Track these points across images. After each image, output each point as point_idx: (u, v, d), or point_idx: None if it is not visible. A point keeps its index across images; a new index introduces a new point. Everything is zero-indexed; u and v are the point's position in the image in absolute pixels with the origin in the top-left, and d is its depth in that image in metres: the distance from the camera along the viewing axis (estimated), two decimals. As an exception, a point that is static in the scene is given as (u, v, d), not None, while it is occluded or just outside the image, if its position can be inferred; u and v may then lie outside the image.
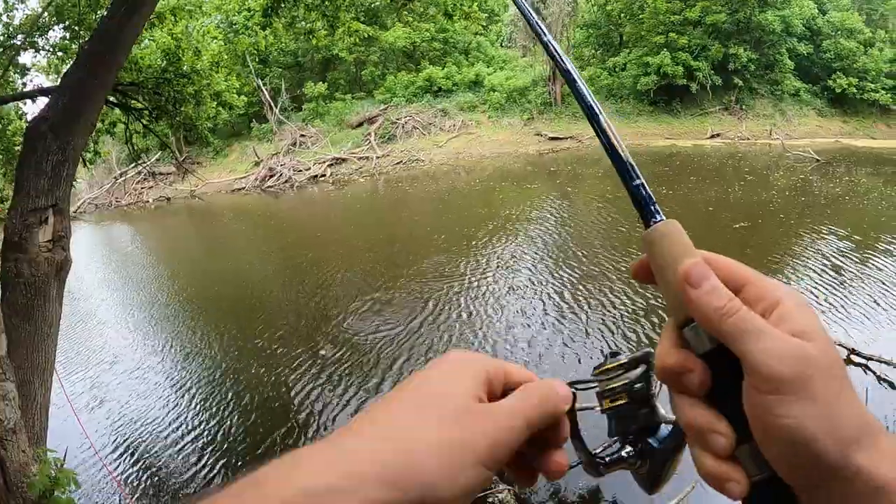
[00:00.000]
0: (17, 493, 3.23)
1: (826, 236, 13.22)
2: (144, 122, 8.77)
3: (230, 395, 9.11)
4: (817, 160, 21.62)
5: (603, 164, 24.32)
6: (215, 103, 9.34)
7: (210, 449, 7.90)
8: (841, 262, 11.58)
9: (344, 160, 29.78)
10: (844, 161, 22.15)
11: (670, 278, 0.53)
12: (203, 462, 7.66)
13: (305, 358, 9.85)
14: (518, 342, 9.44)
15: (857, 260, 11.65)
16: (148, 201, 30.35)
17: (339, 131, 32.20)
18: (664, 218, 0.57)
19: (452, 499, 0.44)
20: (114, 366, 10.80)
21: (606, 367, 0.62)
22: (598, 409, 0.62)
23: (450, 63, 34.08)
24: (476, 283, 11.99)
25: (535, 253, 13.85)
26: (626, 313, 9.86)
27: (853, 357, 8.19)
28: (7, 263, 3.93)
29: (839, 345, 8.40)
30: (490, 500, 5.90)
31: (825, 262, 11.70)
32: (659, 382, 0.59)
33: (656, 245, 0.56)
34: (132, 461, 7.88)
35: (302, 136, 31.86)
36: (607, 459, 0.61)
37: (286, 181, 28.72)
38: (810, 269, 11.45)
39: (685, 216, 15.78)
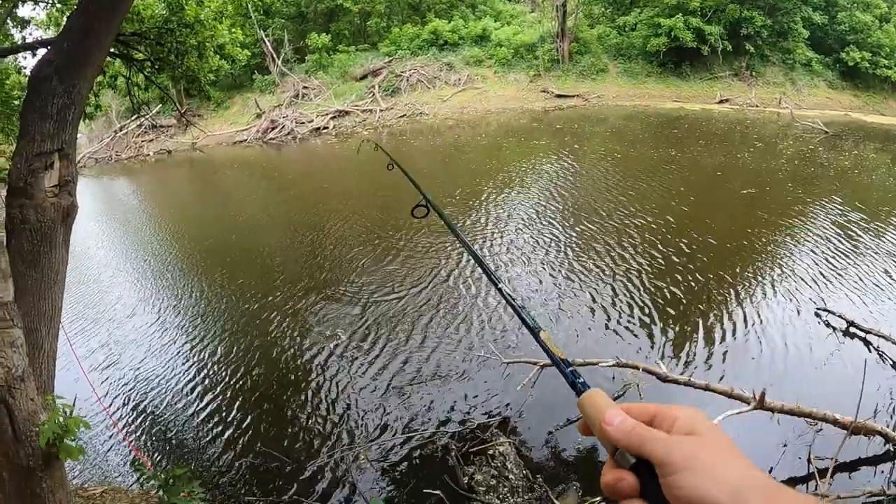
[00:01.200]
0: (27, 443, 3.20)
1: (834, 208, 13.17)
2: (146, 73, 8.60)
3: (232, 346, 9.13)
4: (826, 132, 21.39)
5: (610, 124, 24.15)
6: (218, 56, 9.17)
7: (210, 399, 7.95)
8: (848, 234, 11.55)
9: (347, 113, 29.47)
10: (853, 135, 21.91)
11: (598, 425, 0.72)
12: (203, 410, 7.72)
13: (310, 309, 9.86)
14: (518, 297, 9.45)
15: (864, 234, 11.62)
16: (148, 154, 30.08)
17: (342, 84, 31.78)
18: (589, 387, 0.77)
19: None
20: (116, 318, 10.80)
21: None
22: None
23: (456, 16, 33.53)
24: (486, 238, 11.97)
25: (543, 210, 13.79)
26: (625, 274, 9.85)
27: (852, 329, 8.20)
28: (12, 210, 3.84)
29: (839, 316, 8.45)
30: (491, 451, 6.09)
31: (832, 233, 11.67)
32: None
33: (586, 406, 0.74)
34: (135, 413, 7.92)
35: (305, 88, 31.47)
36: None
37: (288, 133, 28.44)
38: (817, 239, 11.43)
39: (694, 179, 15.76)
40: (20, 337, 3.20)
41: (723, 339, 8.28)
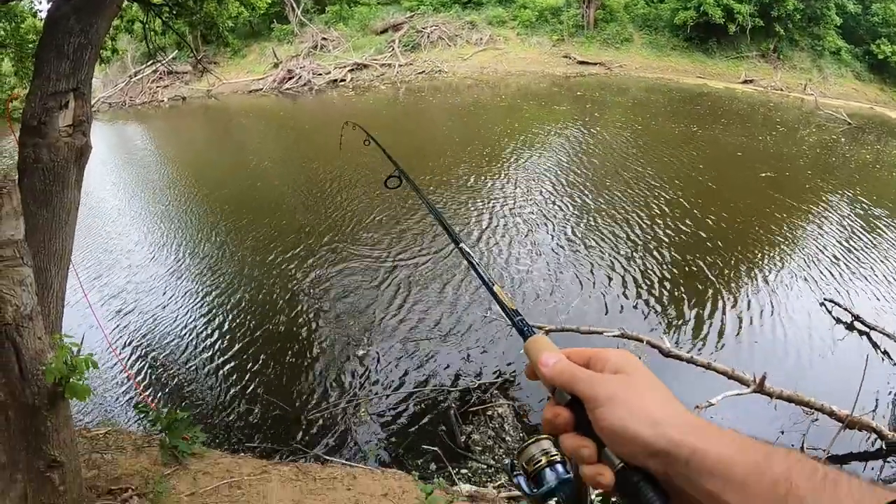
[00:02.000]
0: (33, 381, 3.23)
1: (851, 200, 13.04)
2: (164, 18, 8.50)
3: (242, 295, 9.20)
4: (849, 123, 20.96)
5: (631, 95, 23.86)
6: (238, 3, 9.06)
7: (217, 347, 8.03)
8: (864, 228, 11.47)
9: (366, 66, 29.15)
10: (876, 129, 21.49)
11: (537, 367, 0.77)
12: (211, 358, 7.82)
13: (322, 261, 9.93)
14: (521, 258, 9.49)
15: (881, 230, 11.52)
16: (163, 100, 29.85)
17: (362, 36, 31.36)
18: (534, 332, 0.84)
19: None
20: (129, 265, 10.85)
21: (529, 447, 0.89)
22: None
23: None
24: (499, 204, 11.94)
25: (562, 174, 13.78)
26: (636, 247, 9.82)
27: (856, 323, 8.19)
28: (25, 149, 3.82)
29: (845, 309, 8.44)
30: (489, 412, 6.21)
31: (848, 225, 11.59)
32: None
33: (530, 350, 0.80)
34: (142, 357, 8.02)
35: (324, 39, 31.05)
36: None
37: (305, 84, 28.14)
38: (832, 229, 11.37)
39: (715, 157, 15.62)
40: (29, 275, 3.21)
41: (728, 319, 8.29)
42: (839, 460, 5.96)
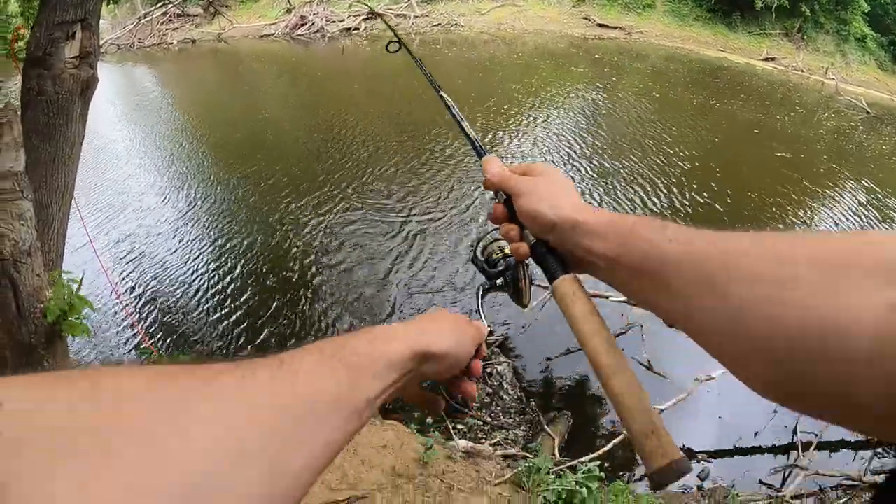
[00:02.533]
0: (30, 319, 3.18)
1: (866, 190, 12.84)
2: None
3: (250, 241, 9.17)
4: (868, 112, 20.46)
5: (650, 62, 23.46)
6: None
7: (223, 294, 8.01)
8: (877, 218, 11.35)
9: (380, 15, 28.65)
10: (895, 121, 21.07)
11: (485, 176, 0.97)
12: (215, 305, 7.80)
13: (332, 209, 9.88)
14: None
15: (892, 220, 11.39)
16: (172, 43, 29.36)
17: (378, -15, 30.80)
18: (487, 152, 1.04)
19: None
20: (136, 208, 10.77)
21: (489, 245, 1.10)
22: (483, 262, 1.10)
23: None
24: (517, 162, 11.80)
25: (578, 134, 13.68)
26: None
27: None
28: (29, 80, 3.70)
29: None
30: (489, 369, 6.21)
31: (861, 213, 11.47)
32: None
33: (484, 164, 0.99)
34: (145, 299, 8.00)
35: (339, -15, 30.51)
36: (498, 283, 1.07)
37: (317, 31, 27.62)
38: (845, 215, 11.27)
39: (732, 132, 15.46)
40: (29, 210, 3.14)
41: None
42: (831, 446, 6.00)
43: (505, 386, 6.17)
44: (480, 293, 1.10)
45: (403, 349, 0.68)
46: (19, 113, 3.37)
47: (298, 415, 0.49)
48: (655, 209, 10.19)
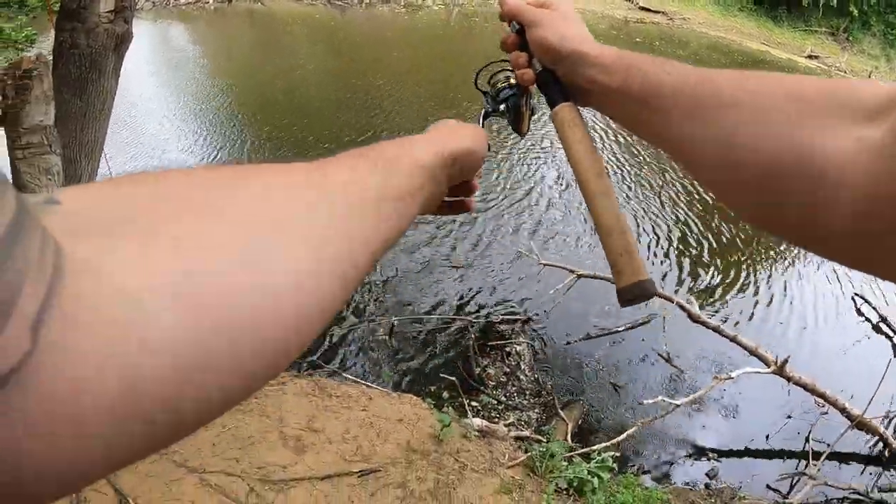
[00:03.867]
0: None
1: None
2: None
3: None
4: None
5: (691, 50, 22.99)
6: None
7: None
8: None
9: None
10: None
11: (502, 6, 1.02)
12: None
13: None
14: (558, 202, 9.34)
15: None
16: (208, 2, 29.32)
17: (414, -46, 30.41)
18: None
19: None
20: (161, 161, 10.83)
21: (496, 74, 1.11)
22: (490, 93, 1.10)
23: None
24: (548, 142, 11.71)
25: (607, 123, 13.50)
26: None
27: (882, 325, 7.94)
28: (62, 33, 3.66)
29: (873, 307, 8.12)
30: (508, 349, 6.24)
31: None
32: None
33: None
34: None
35: (380, -48, 30.18)
36: (500, 108, 1.07)
37: (355, -4, 27.43)
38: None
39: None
40: (57, 164, 3.13)
41: (756, 295, 8.09)
42: (842, 458, 5.93)
43: (522, 367, 6.16)
44: (482, 117, 1.10)
45: (432, 153, 0.71)
46: (51, 66, 3.35)
47: (348, 202, 0.51)
48: (678, 199, 10.05)
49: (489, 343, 6.42)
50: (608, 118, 0.91)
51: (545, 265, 7.21)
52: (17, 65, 2.92)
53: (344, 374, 5.74)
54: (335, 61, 18.36)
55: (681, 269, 8.34)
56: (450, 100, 13.46)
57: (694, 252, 8.71)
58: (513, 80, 1.06)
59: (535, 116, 1.11)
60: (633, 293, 0.78)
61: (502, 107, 1.08)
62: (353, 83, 15.16)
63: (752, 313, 7.76)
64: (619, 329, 6.83)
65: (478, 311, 7.03)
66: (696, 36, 25.20)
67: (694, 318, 6.21)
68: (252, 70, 17.71)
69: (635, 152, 11.51)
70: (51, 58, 3.61)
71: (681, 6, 27.61)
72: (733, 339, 6.09)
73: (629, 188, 10.26)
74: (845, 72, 24.68)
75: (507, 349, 6.30)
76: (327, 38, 21.52)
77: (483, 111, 1.10)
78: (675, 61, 0.77)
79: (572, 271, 6.92)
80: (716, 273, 8.33)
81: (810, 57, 25.48)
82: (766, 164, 0.58)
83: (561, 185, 10.02)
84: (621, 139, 12.13)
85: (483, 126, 1.07)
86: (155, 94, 15.00)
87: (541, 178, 10.29)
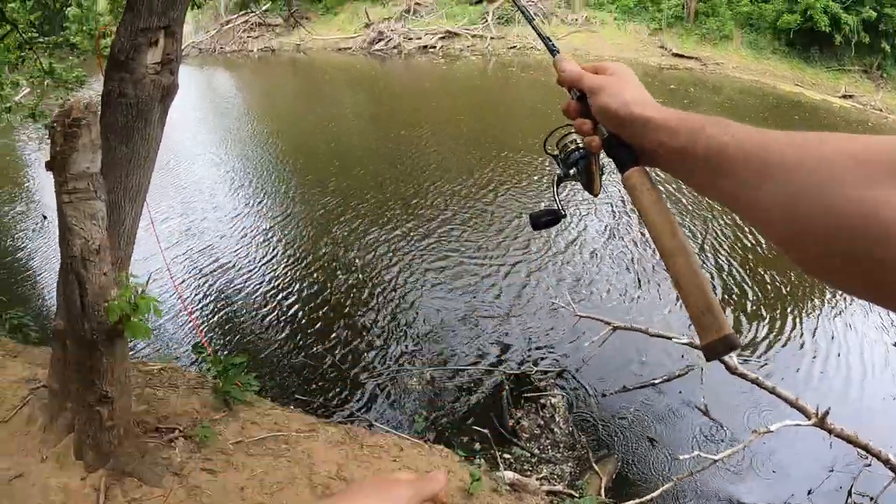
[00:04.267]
0: (94, 317, 3.21)
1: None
2: None
3: (311, 250, 9.26)
4: None
5: (725, 95, 22.92)
6: None
7: (280, 298, 8.11)
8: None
9: (457, 35, 28.72)
10: None
11: (559, 74, 1.06)
12: (271, 308, 7.90)
13: (396, 225, 9.93)
14: (593, 251, 9.20)
15: None
16: (252, 50, 30.22)
17: (455, 5, 30.81)
18: (559, 52, 1.12)
19: None
20: (203, 207, 11.02)
21: (563, 138, 1.12)
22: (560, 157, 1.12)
23: None
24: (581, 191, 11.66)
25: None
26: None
27: None
28: (110, 83, 3.75)
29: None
30: (542, 400, 6.15)
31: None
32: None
33: (557, 63, 1.09)
34: (204, 298, 8.14)
35: (417, 4, 30.73)
36: (571, 172, 1.10)
37: (395, 47, 28.02)
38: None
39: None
40: (101, 210, 3.18)
41: (796, 343, 7.84)
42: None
43: (557, 419, 6.06)
44: (555, 182, 1.15)
45: None
46: (99, 114, 3.42)
47: None
48: (720, 245, 9.94)
49: (524, 395, 6.34)
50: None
51: (581, 317, 7.13)
52: (66, 113, 2.98)
53: (376, 424, 5.69)
54: (376, 110, 18.67)
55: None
56: (490, 149, 13.56)
57: (736, 301, 8.52)
58: (580, 143, 1.07)
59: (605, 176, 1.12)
60: (718, 349, 0.78)
61: (573, 171, 1.10)
62: (394, 133, 15.40)
63: (793, 363, 7.53)
64: (656, 381, 6.70)
65: (513, 362, 6.95)
66: (729, 80, 25.11)
67: (732, 370, 6.03)
68: (295, 118, 18.07)
69: (678, 200, 11.37)
70: (99, 105, 3.69)
71: (713, 51, 27.56)
72: (773, 391, 5.90)
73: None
74: (881, 109, 24.29)
75: (542, 401, 6.22)
76: (368, 87, 21.90)
77: (556, 177, 1.14)
78: (738, 123, 0.78)
79: (608, 323, 6.83)
80: (758, 323, 8.12)
81: (845, 96, 25.10)
82: (835, 225, 0.59)
83: (604, 235, 9.94)
84: (662, 187, 11.99)
85: (557, 194, 1.16)
86: (200, 138, 15.37)
87: (584, 227, 10.23)
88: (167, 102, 4.02)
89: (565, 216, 1.13)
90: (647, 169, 0.93)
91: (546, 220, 1.14)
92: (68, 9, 9.31)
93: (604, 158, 1.05)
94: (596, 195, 1.14)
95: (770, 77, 26.09)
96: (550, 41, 1.20)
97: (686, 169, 0.84)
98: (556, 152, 1.13)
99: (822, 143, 0.66)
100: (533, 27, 1.26)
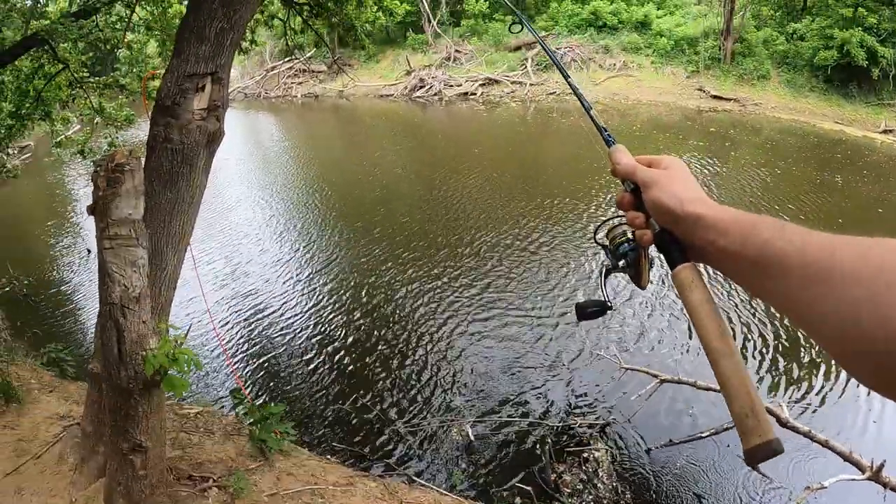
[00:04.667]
0: (131, 365, 3.10)
1: None
2: (304, 16, 8.65)
3: (352, 298, 9.16)
4: None
5: (765, 136, 22.51)
6: (376, 7, 9.13)
7: (319, 345, 7.98)
8: None
9: (497, 82, 28.93)
10: None
11: (613, 166, 1.04)
12: (311, 355, 7.76)
13: (438, 276, 9.78)
14: (642, 303, 8.91)
15: None
16: (296, 96, 30.90)
17: (495, 52, 31.15)
18: (615, 142, 1.09)
19: None
20: (244, 251, 11.04)
21: (614, 229, 1.11)
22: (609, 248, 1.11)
23: None
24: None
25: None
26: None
27: None
28: (156, 128, 3.72)
29: None
30: (585, 454, 5.92)
31: None
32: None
33: (612, 154, 1.06)
34: (244, 343, 8.06)
35: (457, 51, 31.16)
36: (620, 264, 1.08)
37: (435, 94, 28.39)
38: None
39: (854, 211, 14.42)
40: (143, 257, 3.08)
41: (852, 393, 7.39)
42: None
43: (600, 474, 5.80)
44: (603, 273, 1.14)
45: None
46: (143, 158, 3.36)
47: None
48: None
49: (567, 448, 6.09)
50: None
51: (627, 369, 6.88)
52: (111, 157, 2.92)
53: (416, 480, 5.49)
54: (420, 156, 18.74)
55: (775, 370, 7.77)
56: (534, 196, 13.42)
57: (789, 351, 8.12)
58: (630, 235, 1.06)
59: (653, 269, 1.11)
60: (760, 455, 0.77)
61: (622, 262, 1.08)
62: (438, 179, 15.40)
63: (846, 415, 7.11)
64: (703, 435, 6.28)
65: (556, 415, 6.70)
66: (768, 121, 24.71)
67: (783, 423, 5.71)
68: (340, 163, 18.23)
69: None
70: (144, 151, 3.64)
71: (752, 92, 27.21)
72: (825, 445, 5.57)
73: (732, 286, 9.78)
74: (923, 144, 23.55)
75: (585, 455, 5.97)
76: (410, 134, 22.08)
77: (604, 268, 1.13)
78: (793, 224, 0.76)
79: (655, 376, 6.57)
80: (810, 373, 7.72)
81: (886, 131, 24.36)
82: (893, 339, 0.57)
83: (654, 283, 9.64)
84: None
85: (605, 284, 1.16)
86: (246, 181, 15.54)
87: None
88: (213, 148, 3.97)
89: (612, 308, 1.10)
90: (698, 266, 0.92)
91: (592, 310, 1.13)
92: (119, 51, 9.57)
93: (653, 251, 1.03)
94: (643, 288, 1.12)
95: (809, 115, 25.62)
96: (606, 131, 1.17)
97: (737, 270, 0.82)
98: (607, 243, 1.12)
99: (883, 254, 0.63)
100: (590, 116, 1.26)
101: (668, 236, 0.93)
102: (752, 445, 0.76)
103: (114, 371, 3.11)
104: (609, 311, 1.12)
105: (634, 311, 8.87)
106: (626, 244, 1.07)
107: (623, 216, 1.04)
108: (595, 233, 1.22)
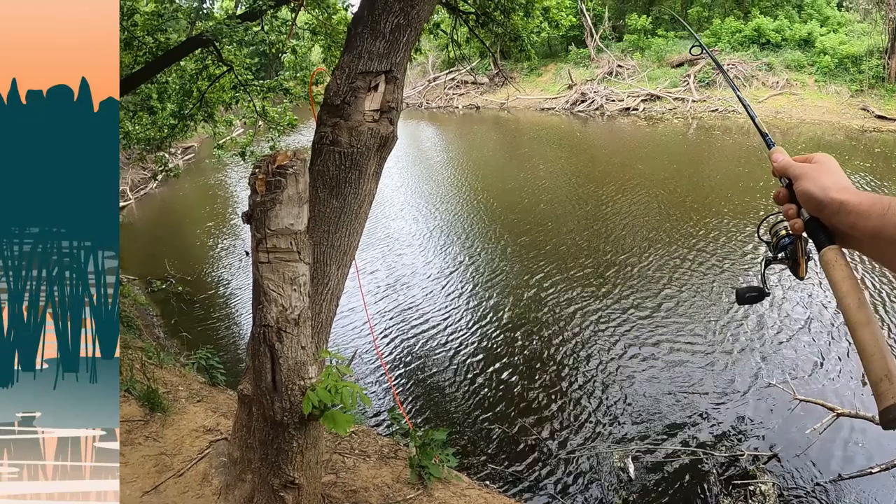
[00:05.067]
0: (286, 396, 2.60)
1: None
2: (470, 25, 8.27)
3: (519, 317, 8.66)
4: None
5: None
6: (542, 18, 8.55)
7: (481, 365, 7.55)
8: None
9: (659, 98, 27.47)
10: None
11: (772, 164, 1.09)
12: (472, 376, 7.37)
13: (602, 296, 9.13)
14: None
15: None
16: (457, 107, 30.96)
17: (657, 68, 29.65)
18: (775, 144, 1.14)
19: None
20: (405, 263, 10.74)
21: (775, 224, 1.17)
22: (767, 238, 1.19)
23: (781, 16, 29.23)
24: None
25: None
26: None
27: None
28: (323, 128, 3.28)
29: None
30: (752, 487, 5.54)
31: None
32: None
33: (772, 154, 1.11)
34: (402, 361, 7.74)
35: (619, 66, 29.97)
36: (779, 256, 1.14)
37: (597, 108, 27.48)
38: None
39: None
40: (305, 274, 2.58)
41: None
42: None
43: (766, 509, 5.36)
44: (763, 263, 1.18)
45: None
46: (308, 162, 2.88)
47: None
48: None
49: (732, 480, 5.65)
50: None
51: (801, 400, 6.31)
52: (272, 158, 2.44)
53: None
54: (584, 170, 18.04)
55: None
56: (704, 215, 12.38)
57: None
58: (789, 230, 1.11)
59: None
60: (894, 414, 0.76)
61: (781, 254, 1.14)
62: (605, 195, 14.59)
63: None
64: (874, 470, 5.61)
65: (721, 445, 6.10)
66: (935, 142, 21.68)
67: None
68: (503, 175, 17.78)
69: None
70: (309, 153, 3.19)
71: (918, 111, 23.84)
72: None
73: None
74: None
75: (751, 488, 5.53)
76: (573, 148, 21.32)
77: (765, 259, 1.18)
78: None
79: (832, 409, 6.03)
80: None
81: None
82: None
83: (832, 309, 8.38)
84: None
85: (766, 273, 1.20)
86: (409, 190, 15.38)
87: (809, 300, 8.78)
88: (384, 154, 3.48)
89: (769, 294, 1.14)
90: (844, 250, 0.95)
91: (750, 295, 1.19)
92: (284, 55, 9.53)
93: (810, 246, 1.04)
94: (801, 279, 1.15)
95: None
96: (768, 136, 1.22)
97: (878, 249, 0.86)
98: (768, 238, 1.18)
99: None
100: (755, 123, 1.30)
101: (816, 223, 0.98)
102: (887, 405, 0.77)
103: (266, 400, 2.63)
104: (766, 298, 1.18)
105: (817, 337, 7.95)
106: (785, 238, 1.13)
107: (780, 211, 1.08)
108: (758, 229, 1.25)
